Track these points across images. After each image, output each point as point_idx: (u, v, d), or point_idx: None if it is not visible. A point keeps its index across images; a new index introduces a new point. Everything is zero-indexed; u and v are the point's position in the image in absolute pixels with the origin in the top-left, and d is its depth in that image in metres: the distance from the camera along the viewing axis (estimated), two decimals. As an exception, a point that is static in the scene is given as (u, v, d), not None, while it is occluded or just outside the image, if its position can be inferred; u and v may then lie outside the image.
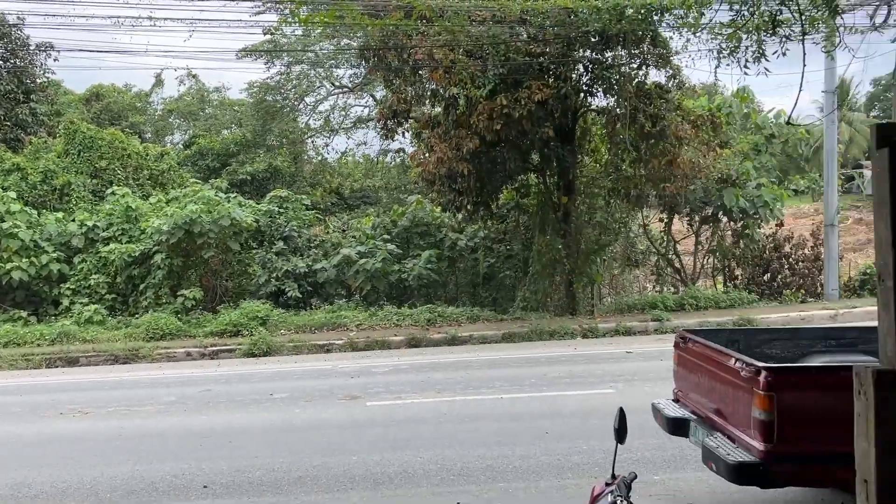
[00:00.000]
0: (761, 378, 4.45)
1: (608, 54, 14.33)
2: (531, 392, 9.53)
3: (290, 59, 23.44)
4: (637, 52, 14.09)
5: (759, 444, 4.48)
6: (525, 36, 14.03)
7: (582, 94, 15.06)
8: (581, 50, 14.46)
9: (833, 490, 5.24)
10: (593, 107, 15.64)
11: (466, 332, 14.22)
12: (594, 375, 10.37)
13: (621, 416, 3.64)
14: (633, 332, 14.16)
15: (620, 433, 3.62)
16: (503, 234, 17.49)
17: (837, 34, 6.60)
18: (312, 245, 18.15)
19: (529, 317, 14.99)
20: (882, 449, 2.07)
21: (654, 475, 6.23)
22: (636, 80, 14.37)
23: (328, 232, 19.37)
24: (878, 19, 14.12)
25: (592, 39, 13.99)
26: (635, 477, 3.47)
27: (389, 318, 15.21)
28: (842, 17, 6.16)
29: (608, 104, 15.01)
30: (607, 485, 3.44)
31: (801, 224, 22.21)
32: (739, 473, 4.58)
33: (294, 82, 25.03)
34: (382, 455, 7.15)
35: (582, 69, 14.78)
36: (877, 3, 14.13)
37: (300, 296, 16.73)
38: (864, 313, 14.39)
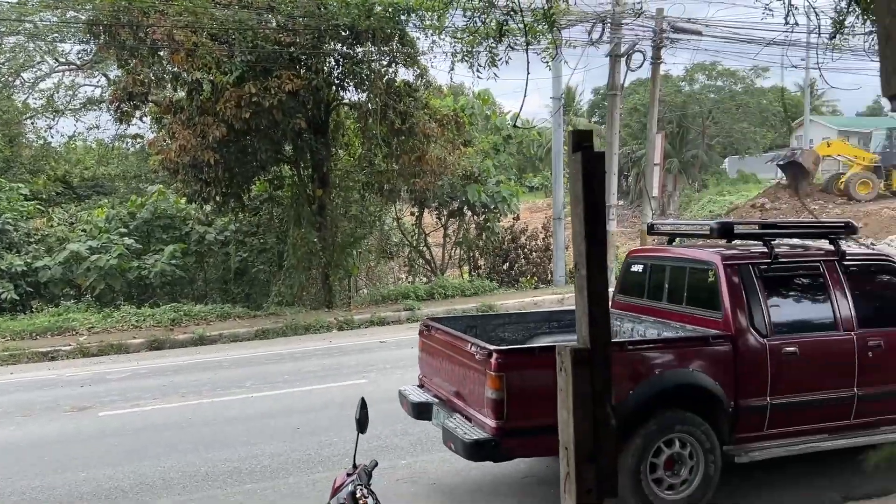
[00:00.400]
0: (492, 360, 4.80)
1: (359, 49, 14.47)
2: (283, 388, 9.38)
3: (3, 29, 20.42)
4: (386, 49, 14.41)
5: (491, 422, 4.84)
6: (274, 24, 13.68)
7: (334, 88, 15.04)
8: (332, 43, 14.43)
9: (557, 459, 5.80)
10: (346, 101, 15.72)
11: (216, 330, 13.56)
12: (348, 367, 10.48)
13: (362, 405, 3.69)
14: (388, 321, 14.54)
15: (362, 423, 3.66)
16: (256, 226, 16.96)
17: (556, 46, 7.35)
18: (32, 240, 16.15)
19: (285, 312, 14.70)
20: (578, 418, 2.35)
21: (400, 460, 6.46)
22: (386, 77, 14.69)
23: (52, 225, 17.34)
24: (595, 35, 16.11)
25: (343, 33, 14.04)
26: (376, 464, 3.56)
27: (128, 320, 14.01)
28: (559, 32, 6.86)
29: (360, 99, 15.18)
30: (349, 475, 3.47)
31: (535, 217, 24.35)
32: (475, 450, 4.91)
33: (8, 55, 21.86)
34: (116, 468, 6.57)
35: (333, 62, 14.76)
36: (593, 21, 16.04)
37: (17, 298, 14.80)
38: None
